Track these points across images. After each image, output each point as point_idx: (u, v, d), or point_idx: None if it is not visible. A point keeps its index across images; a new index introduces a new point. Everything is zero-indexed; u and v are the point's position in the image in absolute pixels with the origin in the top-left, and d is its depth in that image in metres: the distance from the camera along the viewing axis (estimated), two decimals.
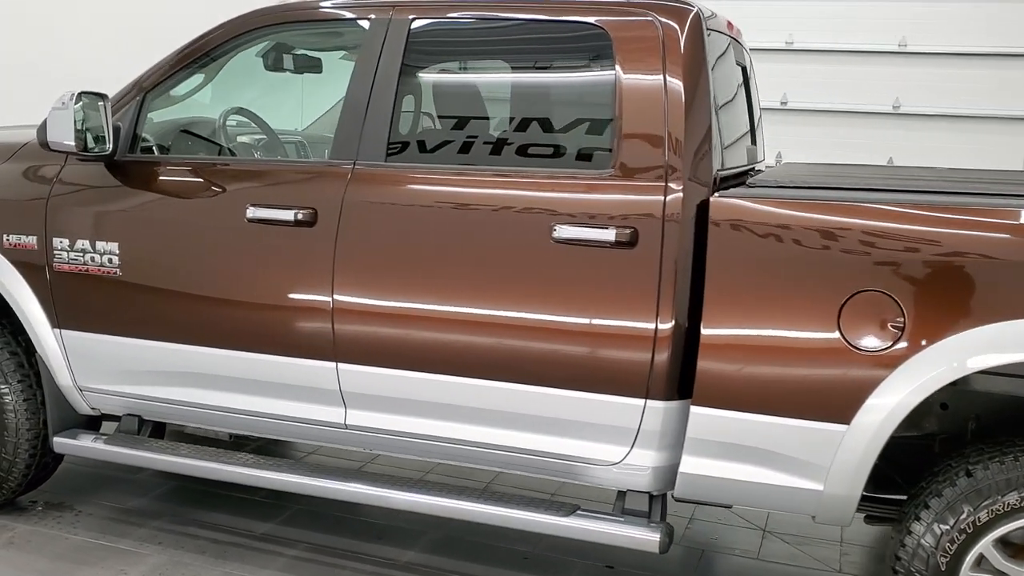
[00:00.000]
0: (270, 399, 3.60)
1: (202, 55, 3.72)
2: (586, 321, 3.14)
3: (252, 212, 3.49)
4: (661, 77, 3.13)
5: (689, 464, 3.13)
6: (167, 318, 3.66)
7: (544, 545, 4.04)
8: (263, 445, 5.06)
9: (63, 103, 3.44)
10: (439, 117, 3.61)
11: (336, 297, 3.40)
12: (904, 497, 3.28)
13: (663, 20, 3.19)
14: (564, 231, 3.13)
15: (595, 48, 3.25)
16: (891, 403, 2.85)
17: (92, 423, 4.09)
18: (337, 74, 4.28)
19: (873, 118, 8.02)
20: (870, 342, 2.87)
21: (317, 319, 3.44)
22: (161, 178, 3.69)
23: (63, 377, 3.88)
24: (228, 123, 4.07)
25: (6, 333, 3.99)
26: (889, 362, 2.85)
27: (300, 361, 3.50)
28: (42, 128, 3.59)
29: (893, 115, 8.38)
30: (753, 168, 3.95)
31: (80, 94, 3.46)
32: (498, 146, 3.40)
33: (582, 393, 3.19)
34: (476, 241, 3.26)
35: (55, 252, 3.77)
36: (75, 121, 3.45)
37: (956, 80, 8.26)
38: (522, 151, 3.33)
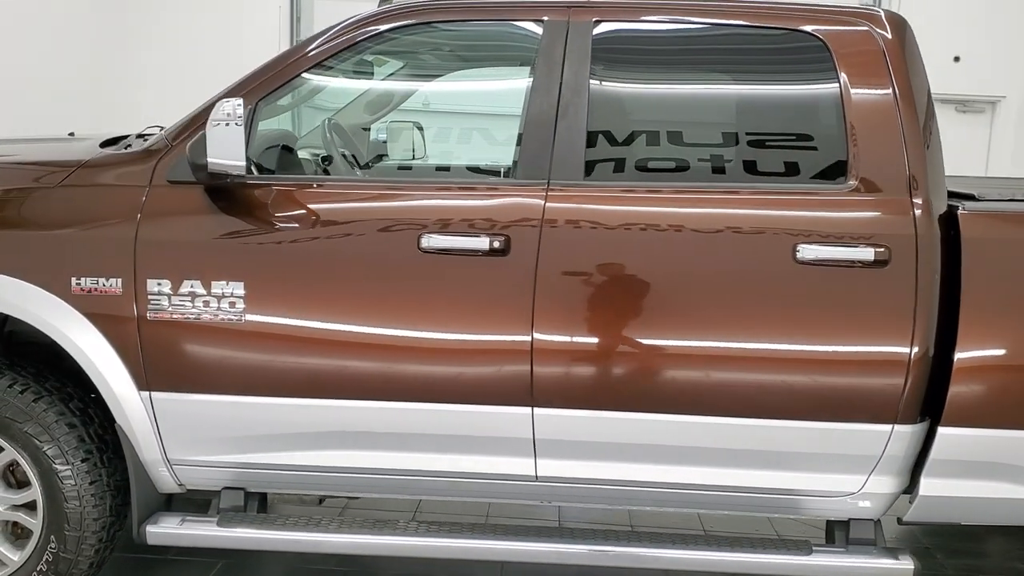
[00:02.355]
0: (439, 454, 3.12)
1: (329, 56, 3.14)
2: (837, 347, 2.97)
3: (429, 241, 2.99)
4: (891, 88, 3.03)
5: (930, 486, 3.06)
6: (311, 370, 3.05)
7: None
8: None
9: (227, 114, 2.76)
10: (636, 132, 3.27)
11: (536, 335, 3.00)
12: None
13: (879, 31, 3.09)
14: (810, 251, 2.94)
15: (813, 58, 3.08)
16: None
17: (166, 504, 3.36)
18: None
19: None
20: None
21: (512, 360, 3.01)
22: (297, 203, 3.07)
23: (150, 449, 3.14)
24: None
25: (56, 400, 3.17)
26: None
27: (485, 409, 3.06)
28: (197, 148, 2.87)
29: None
30: None
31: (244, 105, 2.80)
32: (712, 162, 3.15)
33: (822, 423, 3.02)
34: (705, 265, 3.00)
35: (150, 297, 3.04)
36: (248, 139, 2.78)
37: None
38: (744, 167, 3.11)
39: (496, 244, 2.98)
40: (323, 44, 3.15)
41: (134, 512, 3.17)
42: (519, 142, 3.11)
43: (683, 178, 3.12)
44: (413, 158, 4.24)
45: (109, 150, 3.34)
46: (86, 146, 3.42)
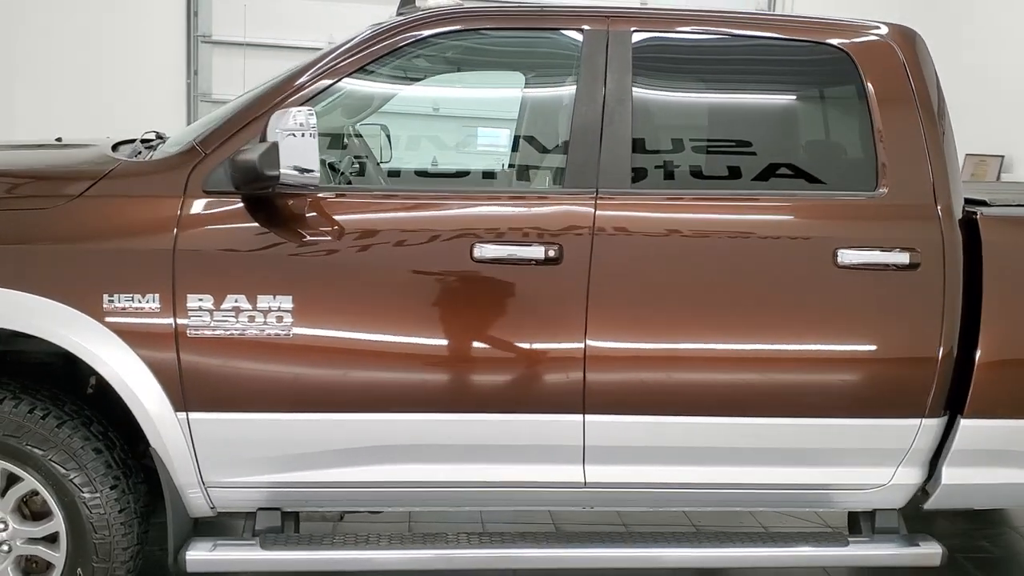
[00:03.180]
0: (488, 465, 3.09)
1: (371, 61, 3.06)
2: (875, 347, 3.11)
3: (482, 250, 2.96)
4: (912, 98, 3.19)
5: (952, 475, 3.24)
6: (362, 384, 2.98)
7: None
8: None
9: (300, 124, 2.64)
10: (679, 139, 3.31)
11: (590, 342, 3.01)
12: None
13: (896, 43, 3.25)
14: (850, 256, 3.07)
15: (841, 70, 3.21)
16: None
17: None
18: None
19: None
20: None
21: (564, 368, 3.03)
22: (346, 213, 2.98)
23: (185, 472, 2.99)
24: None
25: (79, 425, 2.98)
26: None
27: (536, 417, 3.06)
28: (267, 158, 2.71)
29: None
30: None
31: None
32: (752, 170, 3.23)
33: (859, 420, 3.16)
34: (750, 271, 3.08)
35: (191, 313, 2.89)
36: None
37: None
38: (782, 175, 3.21)
39: (551, 253, 2.98)
40: (363, 49, 3.07)
41: (171, 539, 3.01)
42: (566, 150, 3.11)
43: (724, 186, 3.20)
44: (378, 161, 4.16)
45: (122, 156, 3.16)
46: (97, 152, 3.23)
